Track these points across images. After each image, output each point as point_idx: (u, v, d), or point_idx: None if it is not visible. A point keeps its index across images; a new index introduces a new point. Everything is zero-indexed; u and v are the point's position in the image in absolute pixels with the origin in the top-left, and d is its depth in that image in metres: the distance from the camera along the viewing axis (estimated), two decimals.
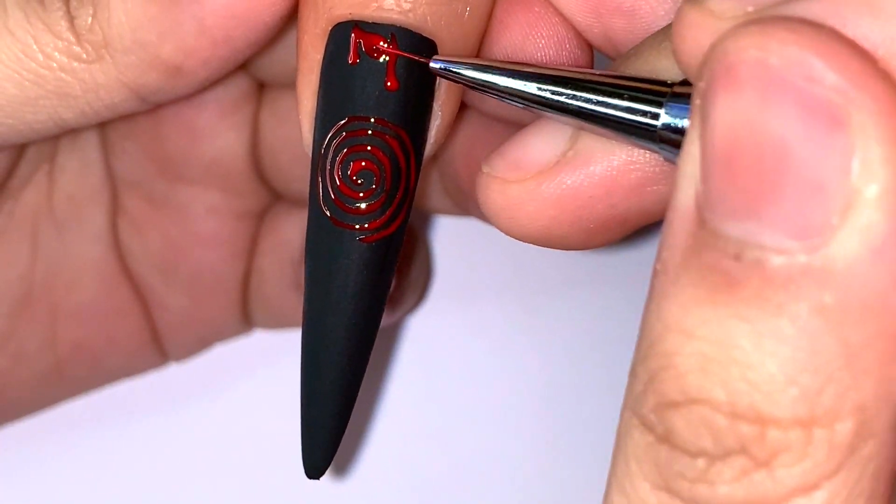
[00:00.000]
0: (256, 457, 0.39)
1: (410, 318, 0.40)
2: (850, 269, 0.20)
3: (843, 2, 0.20)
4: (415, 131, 0.29)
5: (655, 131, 0.25)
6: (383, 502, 0.40)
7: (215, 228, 0.36)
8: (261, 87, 0.35)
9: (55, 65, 0.29)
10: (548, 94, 0.26)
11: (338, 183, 0.28)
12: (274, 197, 0.37)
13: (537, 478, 0.40)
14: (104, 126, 0.35)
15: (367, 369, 0.30)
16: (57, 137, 0.33)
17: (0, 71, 0.29)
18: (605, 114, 0.26)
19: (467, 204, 0.35)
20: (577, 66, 0.29)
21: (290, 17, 0.29)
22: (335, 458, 0.31)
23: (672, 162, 0.25)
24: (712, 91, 0.20)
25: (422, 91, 0.29)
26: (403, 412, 0.40)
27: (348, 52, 0.28)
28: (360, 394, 0.30)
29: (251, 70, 0.34)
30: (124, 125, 0.35)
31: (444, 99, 0.29)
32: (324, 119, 0.29)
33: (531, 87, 0.27)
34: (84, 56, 0.29)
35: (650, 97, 0.25)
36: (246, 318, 0.38)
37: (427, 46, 0.28)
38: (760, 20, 0.20)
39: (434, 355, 0.40)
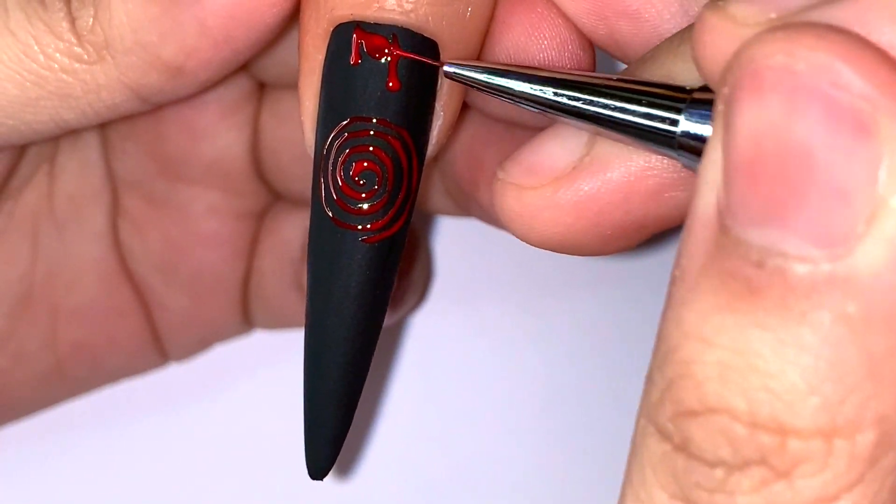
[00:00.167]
0: (258, 457, 0.39)
1: (411, 319, 0.40)
2: (875, 279, 0.19)
3: (869, 9, 0.20)
4: (417, 132, 0.29)
5: (674, 138, 0.25)
6: (386, 502, 0.40)
7: (215, 228, 0.36)
8: (262, 88, 0.35)
9: (56, 65, 0.29)
10: (564, 99, 0.26)
11: (340, 183, 0.28)
12: (274, 197, 0.37)
13: (539, 478, 0.40)
14: (105, 126, 0.35)
15: (369, 370, 0.30)
16: (57, 138, 0.33)
17: (1, 71, 0.29)
18: (623, 119, 0.25)
19: (468, 204, 0.35)
20: (593, 71, 0.29)
21: (292, 18, 0.29)
22: (338, 458, 0.31)
23: (691, 168, 0.25)
24: (737, 96, 0.20)
25: (424, 91, 0.29)
26: (405, 412, 0.40)
27: (350, 52, 0.28)
28: (362, 394, 0.30)
29: (252, 70, 0.34)
30: (125, 125, 0.35)
31: (445, 99, 0.29)
32: (326, 119, 0.29)
33: (547, 92, 0.26)
34: (85, 57, 0.29)
35: (669, 103, 0.25)
36: (246, 318, 0.38)
37: (428, 47, 0.28)
38: (787, 26, 0.20)
39: (435, 355, 0.40)
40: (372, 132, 0.28)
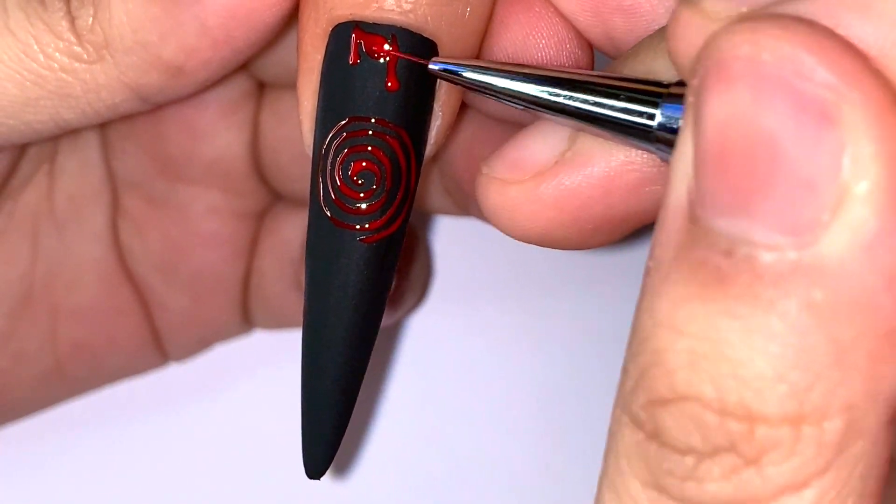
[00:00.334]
0: (257, 457, 0.39)
1: (410, 319, 0.40)
2: (841, 266, 0.20)
3: (836, 2, 0.20)
4: (415, 131, 0.29)
5: (651, 132, 0.25)
6: (383, 503, 0.40)
7: (215, 228, 0.36)
8: (261, 88, 0.35)
9: (56, 65, 0.29)
10: (546, 96, 0.26)
11: (338, 183, 0.28)
12: (274, 197, 0.37)
13: (537, 478, 0.40)
14: (104, 126, 0.35)
15: (368, 369, 0.30)
16: (57, 138, 0.33)
17: (1, 71, 0.29)
18: (603, 114, 0.26)
19: (467, 204, 0.35)
20: (575, 67, 0.29)
21: (291, 18, 0.29)
22: (335, 458, 0.31)
23: (668, 162, 0.25)
24: (705, 87, 0.20)
25: (422, 91, 0.29)
26: (403, 412, 0.40)
27: (349, 52, 0.28)
28: (360, 394, 0.30)
29: (252, 70, 0.34)
30: (125, 125, 0.35)
31: (444, 99, 0.29)
32: (324, 119, 0.29)
33: (529, 89, 0.27)
34: (85, 56, 0.29)
35: (646, 98, 0.25)
36: (246, 318, 0.38)
37: (428, 47, 0.28)
38: (754, 17, 0.20)
39: (434, 355, 0.40)
40: (370, 132, 0.28)
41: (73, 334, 0.36)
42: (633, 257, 0.40)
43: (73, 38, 0.29)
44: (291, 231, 0.37)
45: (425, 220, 0.40)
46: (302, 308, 0.30)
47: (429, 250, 0.40)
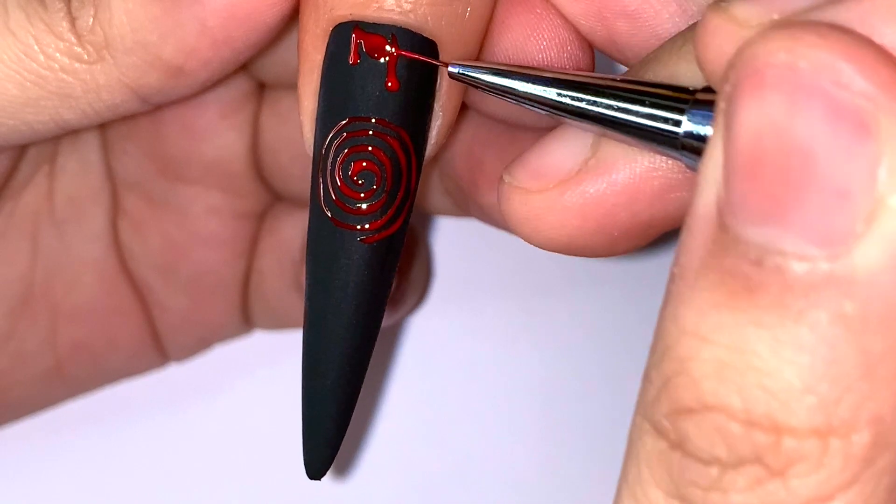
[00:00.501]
0: (257, 457, 0.39)
1: (411, 319, 0.40)
2: (873, 279, 0.19)
3: (871, 10, 0.20)
4: (416, 132, 0.29)
5: (677, 138, 0.24)
6: (383, 503, 0.40)
7: (215, 228, 0.36)
8: (261, 88, 0.35)
9: (56, 65, 0.29)
10: (568, 100, 0.26)
11: (339, 183, 0.28)
12: (274, 197, 0.37)
13: (537, 478, 0.40)
14: (104, 127, 0.35)
15: (368, 369, 0.30)
16: (57, 138, 0.33)
17: (1, 71, 0.29)
18: (627, 120, 0.25)
19: (468, 204, 0.35)
20: (597, 72, 0.29)
21: (291, 18, 0.29)
22: (336, 458, 0.31)
23: (694, 169, 0.25)
24: (738, 94, 0.20)
25: (422, 91, 0.29)
26: (404, 413, 0.40)
27: (349, 52, 0.28)
28: (360, 394, 0.30)
29: (252, 70, 0.34)
30: (125, 126, 0.35)
31: (444, 99, 0.29)
32: (324, 119, 0.29)
33: (551, 93, 0.26)
34: (85, 57, 0.29)
35: (672, 104, 0.25)
36: (246, 319, 0.38)
37: (427, 47, 0.28)
38: (789, 24, 0.20)
39: (434, 356, 0.40)
40: (371, 132, 0.28)
41: (72, 334, 0.36)
42: (634, 258, 0.40)
43: (73, 39, 0.29)
44: (291, 231, 0.37)
45: (425, 220, 0.40)
46: (302, 308, 0.30)
47: (429, 250, 0.40)
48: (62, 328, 0.36)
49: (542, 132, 0.29)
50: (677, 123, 0.25)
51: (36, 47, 0.29)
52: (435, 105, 0.29)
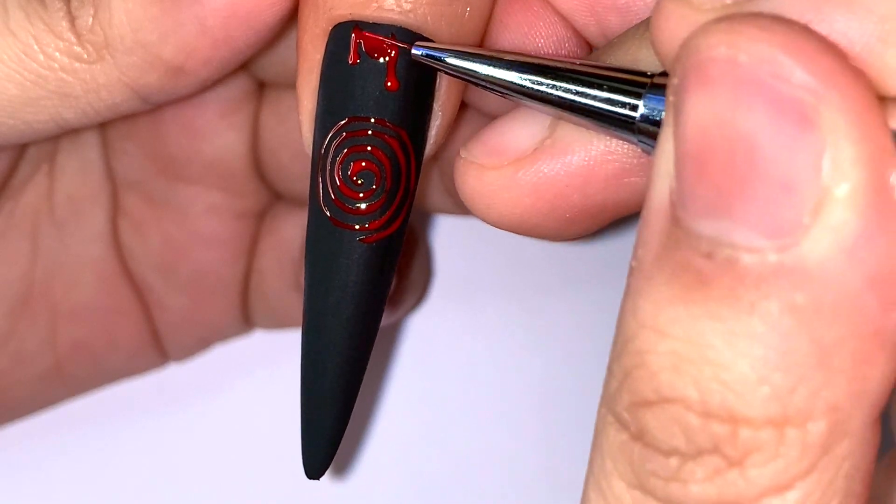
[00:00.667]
0: (256, 457, 0.39)
1: (410, 318, 0.40)
2: (822, 269, 0.20)
3: None
4: (415, 131, 0.29)
5: (634, 123, 0.25)
6: (383, 502, 0.40)
7: (215, 228, 0.36)
8: (261, 87, 0.35)
9: (56, 65, 0.29)
10: (527, 83, 0.26)
11: (338, 183, 0.28)
12: (274, 197, 0.37)
13: (537, 478, 0.40)
14: (104, 126, 0.35)
15: (367, 369, 0.30)
16: (57, 137, 0.33)
17: (1, 71, 0.29)
18: (584, 104, 0.26)
19: None
20: (558, 55, 0.29)
21: (291, 17, 0.29)
22: (335, 458, 0.31)
23: (650, 154, 0.25)
24: (684, 88, 0.20)
25: (422, 91, 0.29)
26: (403, 412, 0.40)
27: (348, 52, 0.28)
28: (359, 394, 0.30)
29: (252, 70, 0.34)
30: (124, 125, 0.35)
31: (444, 99, 0.29)
32: (324, 119, 0.29)
33: (512, 76, 0.27)
34: (85, 56, 0.29)
35: (630, 88, 0.25)
36: (246, 318, 0.38)
37: None
38: (731, 17, 0.20)
39: (434, 355, 0.40)
40: (370, 132, 0.28)
41: (72, 334, 0.36)
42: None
43: (73, 38, 0.29)
44: (291, 231, 0.37)
45: (425, 220, 0.40)
46: (302, 308, 0.30)
47: (429, 250, 0.40)
48: (62, 328, 0.36)
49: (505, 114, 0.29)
50: (634, 108, 0.25)
51: (36, 47, 0.29)
52: (434, 105, 0.29)
